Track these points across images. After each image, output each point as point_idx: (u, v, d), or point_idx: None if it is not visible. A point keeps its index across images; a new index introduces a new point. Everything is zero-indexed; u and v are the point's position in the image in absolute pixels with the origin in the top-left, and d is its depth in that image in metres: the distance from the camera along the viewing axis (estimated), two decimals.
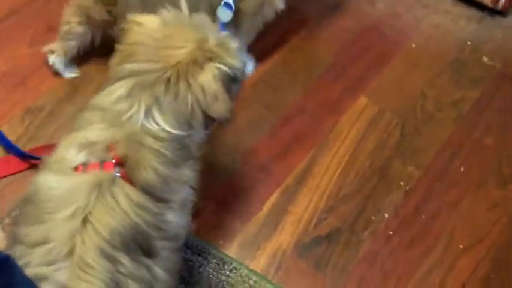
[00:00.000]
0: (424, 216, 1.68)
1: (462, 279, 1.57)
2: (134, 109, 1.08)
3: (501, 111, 1.92)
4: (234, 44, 1.18)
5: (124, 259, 1.02)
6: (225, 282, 1.48)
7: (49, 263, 0.98)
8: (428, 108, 1.90)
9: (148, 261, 1.08)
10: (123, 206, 1.04)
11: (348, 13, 2.07)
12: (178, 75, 1.09)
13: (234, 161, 1.69)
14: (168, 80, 1.09)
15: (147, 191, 1.07)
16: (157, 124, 1.09)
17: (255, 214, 1.61)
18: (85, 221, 1.00)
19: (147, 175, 1.07)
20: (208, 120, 1.14)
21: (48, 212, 1.02)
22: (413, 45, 2.05)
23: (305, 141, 1.77)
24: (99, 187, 1.03)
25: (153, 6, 1.23)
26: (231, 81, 1.15)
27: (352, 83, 1.92)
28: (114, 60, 1.16)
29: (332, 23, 2.05)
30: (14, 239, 1.05)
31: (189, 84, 1.09)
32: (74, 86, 1.76)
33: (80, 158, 1.07)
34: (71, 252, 0.98)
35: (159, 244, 1.10)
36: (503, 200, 1.75)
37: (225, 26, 1.66)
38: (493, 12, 2.18)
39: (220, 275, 1.49)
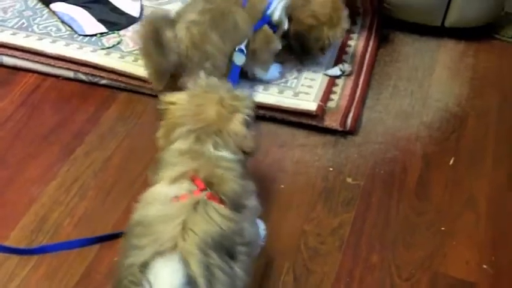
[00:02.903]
0: None
1: None
2: (204, 147, 1.54)
3: (376, 227, 2.02)
4: (243, 94, 1.71)
5: (214, 255, 1.33)
6: None
7: (158, 254, 1.27)
8: (312, 244, 1.96)
9: (230, 262, 1.38)
10: (213, 217, 1.38)
11: None
12: (217, 129, 1.57)
13: None
14: (214, 132, 1.56)
15: (231, 201, 1.46)
16: (222, 152, 1.55)
17: None
18: (185, 228, 1.33)
19: (233, 184, 1.49)
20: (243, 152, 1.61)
21: (155, 228, 1.35)
22: (282, 186, 2.13)
23: None
24: (193, 207, 1.38)
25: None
26: (248, 124, 1.63)
27: None
28: (160, 133, 1.64)
29: None
30: (126, 251, 1.36)
31: (227, 132, 1.57)
32: None
33: (172, 190, 1.44)
34: (174, 247, 1.30)
35: (239, 249, 1.42)
36: None
37: (238, 68, 2.29)
38: (344, 133, 2.31)
39: None
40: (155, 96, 2.22)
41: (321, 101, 2.34)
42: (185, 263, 1.26)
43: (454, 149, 2.29)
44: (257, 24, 2.31)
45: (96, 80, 2.47)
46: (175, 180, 1.48)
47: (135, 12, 2.73)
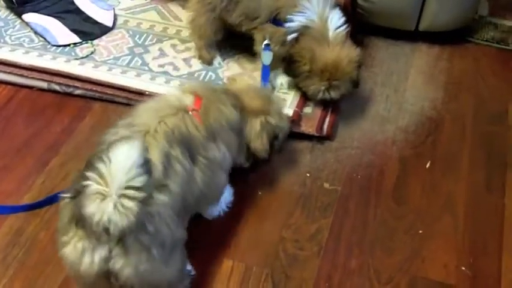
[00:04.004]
0: None
1: None
2: (222, 96, 1.87)
3: (354, 231, 2.02)
4: (282, 110, 2.06)
5: (177, 149, 1.58)
6: None
7: (125, 137, 1.53)
8: (290, 250, 1.96)
9: (191, 162, 1.61)
10: (187, 123, 1.66)
11: None
12: (248, 114, 1.91)
13: None
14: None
15: (210, 129, 1.71)
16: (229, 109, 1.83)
17: None
18: (160, 122, 1.62)
19: (221, 119, 1.77)
20: (249, 151, 1.96)
21: (138, 114, 1.68)
22: (259, 193, 2.13)
23: None
24: (177, 111, 1.68)
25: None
26: (274, 137, 1.97)
27: (211, 250, 1.96)
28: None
29: None
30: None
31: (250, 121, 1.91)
32: None
33: (174, 96, 1.78)
34: (145, 132, 1.58)
35: (200, 159, 1.65)
36: None
37: (267, 68, 2.34)
38: (321, 139, 2.31)
39: None
40: (130, 105, 2.19)
41: (297, 107, 2.34)
42: (146, 148, 1.47)
43: (430, 153, 2.30)
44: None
45: (70, 90, 2.45)
46: (184, 91, 1.79)
47: (108, 22, 2.71)
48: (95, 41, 2.64)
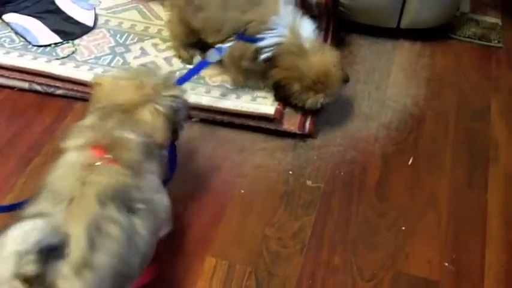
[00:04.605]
0: None
1: None
2: (107, 124, 1.57)
3: (337, 228, 2.02)
4: (174, 87, 1.77)
5: (111, 206, 1.39)
6: None
7: (54, 205, 1.35)
8: (273, 248, 1.95)
9: (129, 215, 1.42)
10: (109, 173, 1.46)
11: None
12: (126, 110, 1.60)
13: None
14: (121, 112, 1.60)
15: (128, 164, 1.50)
16: (127, 132, 1.55)
17: None
18: (84, 183, 1.41)
19: (131, 154, 1.53)
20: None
21: (54, 186, 1.44)
22: (242, 191, 2.12)
23: None
24: (91, 167, 1.46)
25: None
26: (176, 111, 1.71)
27: (194, 248, 1.94)
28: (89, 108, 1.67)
29: None
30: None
31: (136, 117, 1.60)
32: None
33: (74, 157, 1.52)
34: (71, 200, 1.36)
35: (138, 205, 1.46)
36: None
37: (204, 64, 2.27)
38: (303, 136, 2.31)
39: None
40: None
41: (279, 104, 2.33)
42: (60, 226, 1.29)
43: (412, 149, 2.31)
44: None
45: (51, 90, 2.43)
46: (78, 148, 1.52)
47: (89, 22, 2.70)
48: (76, 41, 2.63)
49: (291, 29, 2.23)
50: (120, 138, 1.55)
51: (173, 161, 1.88)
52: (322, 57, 2.24)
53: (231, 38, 2.24)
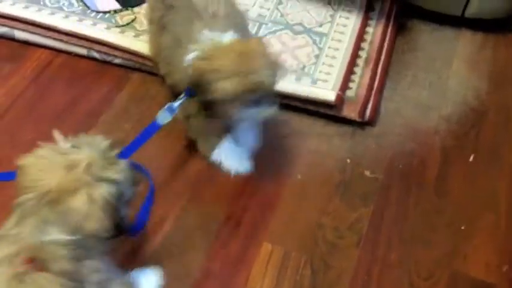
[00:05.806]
0: None
1: None
2: (26, 230, 1.28)
3: (395, 223, 1.99)
4: (118, 162, 1.40)
5: None
6: None
7: None
8: (329, 238, 1.93)
9: None
10: (42, 283, 1.25)
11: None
12: (52, 201, 1.28)
13: None
14: (46, 205, 1.29)
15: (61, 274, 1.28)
16: (52, 233, 1.28)
17: None
18: None
19: (61, 266, 1.28)
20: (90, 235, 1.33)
21: None
22: (299, 176, 2.10)
23: None
24: (19, 278, 1.24)
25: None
26: (119, 196, 1.36)
27: (251, 233, 1.93)
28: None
29: (213, 178, 2.07)
30: None
31: (61, 209, 1.28)
32: None
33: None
34: None
35: None
36: None
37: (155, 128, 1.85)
38: (362, 124, 2.27)
39: None
40: None
41: (340, 90, 2.29)
42: None
43: (473, 145, 2.26)
44: None
45: (110, 58, 2.42)
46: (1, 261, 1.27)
47: None
48: (136, 9, 2.59)
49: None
50: (46, 244, 1.28)
51: (145, 211, 1.73)
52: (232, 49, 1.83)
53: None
